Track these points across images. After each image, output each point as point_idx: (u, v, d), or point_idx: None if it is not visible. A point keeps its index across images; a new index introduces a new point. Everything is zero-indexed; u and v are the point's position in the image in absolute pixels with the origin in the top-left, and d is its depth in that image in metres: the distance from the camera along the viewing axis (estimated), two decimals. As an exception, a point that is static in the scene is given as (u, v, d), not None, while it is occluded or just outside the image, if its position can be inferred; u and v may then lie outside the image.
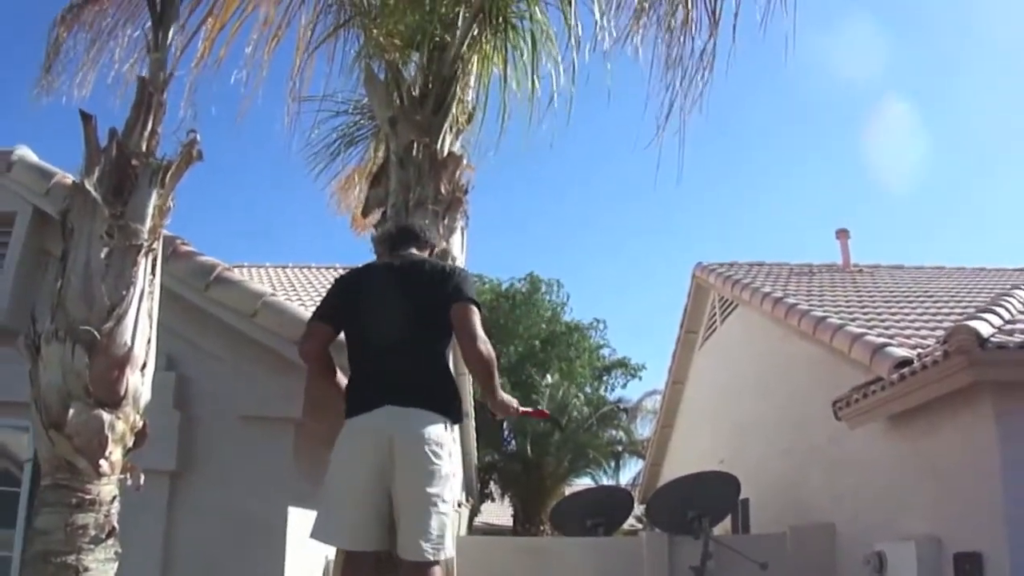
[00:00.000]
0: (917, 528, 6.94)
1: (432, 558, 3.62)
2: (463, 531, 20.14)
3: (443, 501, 3.69)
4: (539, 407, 4.46)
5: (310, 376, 4.24)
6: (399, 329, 3.87)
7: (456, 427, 4.01)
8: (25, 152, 6.88)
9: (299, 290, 12.16)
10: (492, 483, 26.74)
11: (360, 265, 4.53)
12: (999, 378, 6.10)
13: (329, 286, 4.46)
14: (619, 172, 54.57)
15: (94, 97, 5.70)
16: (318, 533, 3.89)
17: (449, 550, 3.73)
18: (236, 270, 6.87)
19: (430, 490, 3.64)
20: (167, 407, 5.92)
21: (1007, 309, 6.99)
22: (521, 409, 4.22)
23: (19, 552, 6.05)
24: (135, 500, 5.87)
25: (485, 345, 3.80)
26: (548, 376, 26.96)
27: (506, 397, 4.02)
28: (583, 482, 27.71)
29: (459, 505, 18.55)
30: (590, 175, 54.91)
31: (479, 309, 3.90)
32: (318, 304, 4.24)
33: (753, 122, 49.59)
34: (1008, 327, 6.50)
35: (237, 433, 6.09)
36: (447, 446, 3.76)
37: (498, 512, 29.22)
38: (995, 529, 6.03)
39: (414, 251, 4.22)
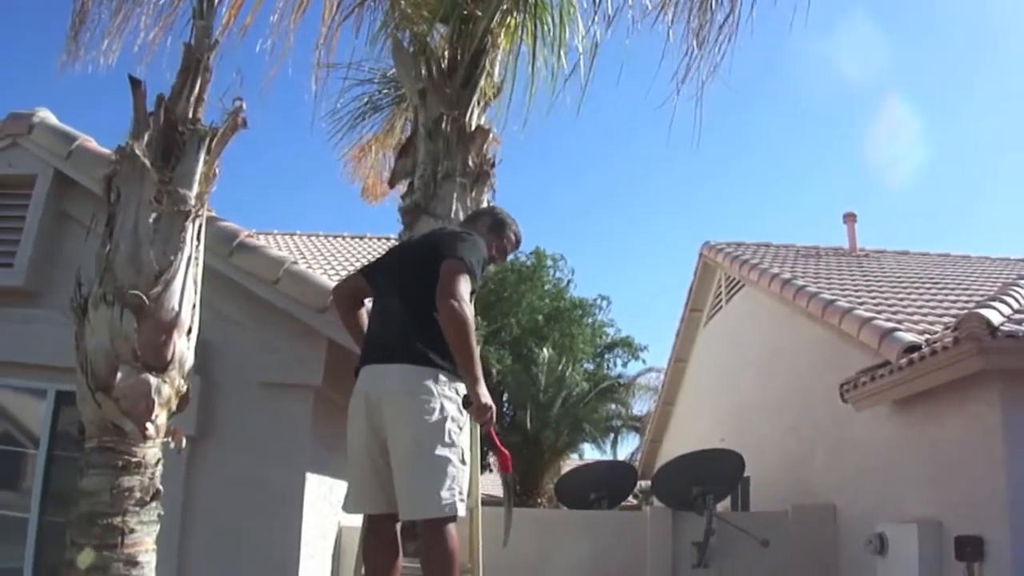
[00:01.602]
0: (919, 511, 7.02)
1: (428, 516, 3.54)
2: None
3: (436, 456, 3.56)
4: (507, 453, 4.32)
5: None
6: (395, 292, 3.89)
7: (456, 383, 3.73)
8: (46, 114, 6.89)
9: (308, 258, 12.20)
10: (491, 454, 26.87)
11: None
12: (1007, 366, 6.15)
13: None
14: (629, 154, 54.87)
15: (119, 67, 5.70)
16: (344, 504, 3.93)
17: (455, 506, 3.58)
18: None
19: (420, 445, 3.57)
20: (187, 372, 6.00)
21: (1016, 299, 7.05)
22: (494, 431, 3.91)
23: (37, 514, 6.14)
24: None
25: (458, 303, 3.58)
26: (544, 351, 26.90)
27: (486, 395, 3.64)
28: (579, 457, 27.92)
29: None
30: (601, 155, 55.17)
31: (468, 271, 3.71)
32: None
33: (762, 115, 49.71)
34: (1017, 316, 6.55)
35: (256, 399, 6.16)
36: (439, 397, 3.62)
37: (496, 483, 29.30)
38: (997, 514, 6.10)
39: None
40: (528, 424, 25.03)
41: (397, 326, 3.79)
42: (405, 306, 3.80)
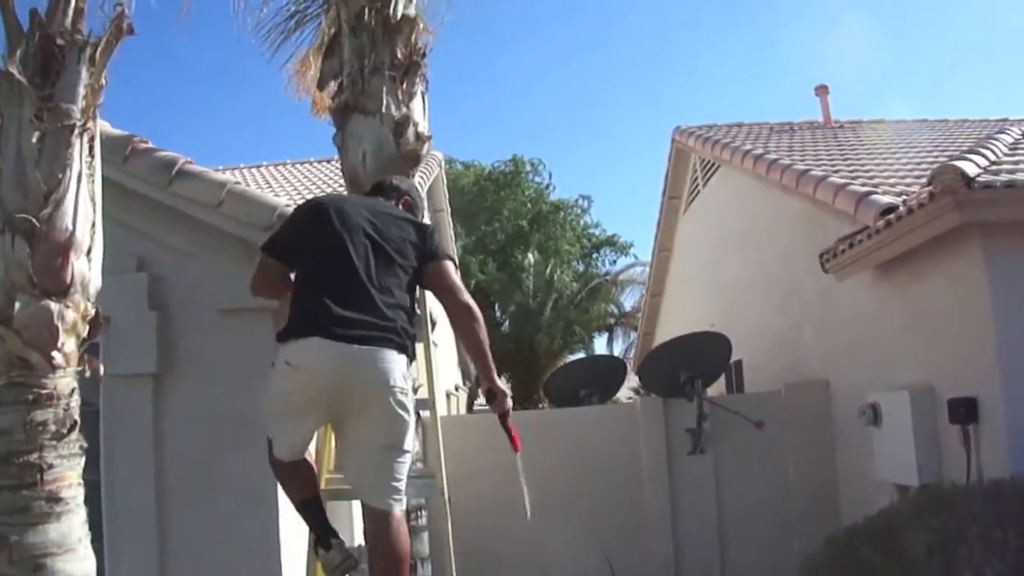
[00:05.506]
0: (910, 377, 6.92)
1: (390, 506, 3.48)
2: (463, 411, 20.37)
3: (404, 451, 3.54)
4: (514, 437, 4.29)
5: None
6: (366, 269, 3.52)
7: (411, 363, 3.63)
8: None
9: (275, 188, 11.97)
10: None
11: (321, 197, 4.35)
12: (986, 219, 5.94)
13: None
14: (596, 55, 54.52)
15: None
16: (277, 451, 3.93)
17: (403, 500, 3.59)
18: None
19: (394, 441, 3.52)
20: (143, 309, 5.80)
21: (993, 151, 6.80)
22: (511, 420, 3.91)
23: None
24: (120, 407, 5.81)
25: (470, 298, 3.74)
26: (530, 255, 26.81)
27: (503, 386, 3.84)
28: (577, 357, 28.06)
29: (456, 388, 18.65)
30: (569, 59, 54.89)
31: (456, 265, 3.85)
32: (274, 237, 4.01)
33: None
34: (994, 167, 6.32)
35: (216, 328, 5.93)
36: (410, 392, 3.56)
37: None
38: (988, 373, 5.96)
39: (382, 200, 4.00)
40: (508, 327, 25.09)
41: (379, 307, 3.46)
42: (387, 288, 3.51)
